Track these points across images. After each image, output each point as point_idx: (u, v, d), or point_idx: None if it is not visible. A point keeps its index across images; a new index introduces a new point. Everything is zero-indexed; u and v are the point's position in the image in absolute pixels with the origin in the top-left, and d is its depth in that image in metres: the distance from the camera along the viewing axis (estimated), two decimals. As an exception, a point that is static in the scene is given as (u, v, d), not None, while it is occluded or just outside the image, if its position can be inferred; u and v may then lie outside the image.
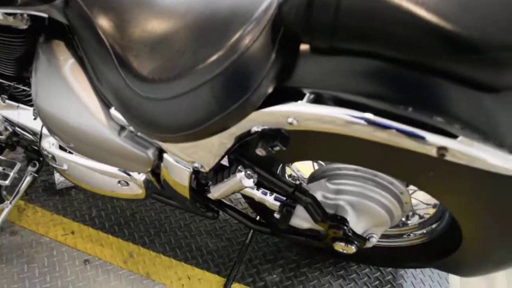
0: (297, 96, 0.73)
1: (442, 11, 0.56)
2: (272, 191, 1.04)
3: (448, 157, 0.67)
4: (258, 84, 0.72)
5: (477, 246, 0.94)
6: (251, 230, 1.45)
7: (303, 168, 1.30)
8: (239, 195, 1.46)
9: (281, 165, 1.11)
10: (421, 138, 0.66)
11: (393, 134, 0.67)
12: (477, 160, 0.65)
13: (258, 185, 1.04)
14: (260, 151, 0.80)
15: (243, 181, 0.90)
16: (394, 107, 0.67)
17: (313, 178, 1.08)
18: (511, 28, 0.56)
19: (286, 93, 0.74)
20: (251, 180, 0.91)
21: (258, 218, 1.35)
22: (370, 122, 0.68)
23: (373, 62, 0.67)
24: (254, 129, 0.81)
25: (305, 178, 1.22)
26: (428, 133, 0.66)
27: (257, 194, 1.05)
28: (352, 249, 1.03)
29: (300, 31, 0.67)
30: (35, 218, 1.47)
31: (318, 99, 0.72)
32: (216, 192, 0.99)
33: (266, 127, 0.80)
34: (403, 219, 1.22)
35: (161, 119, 0.82)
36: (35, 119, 1.16)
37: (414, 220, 1.21)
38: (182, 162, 0.97)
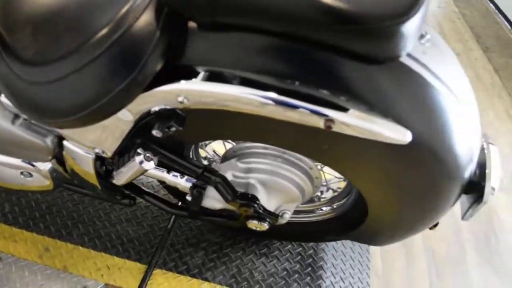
0: (191, 74, 0.72)
1: None
2: (182, 173, 1.02)
3: (336, 129, 0.68)
4: (144, 63, 0.69)
5: (383, 215, 0.97)
6: (173, 215, 1.43)
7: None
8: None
9: (193, 146, 1.09)
10: (307, 111, 0.67)
11: (280, 109, 0.68)
12: (363, 130, 0.67)
13: (168, 168, 1.02)
14: (156, 133, 0.78)
15: (143, 164, 0.88)
16: (281, 81, 0.67)
17: (225, 158, 1.08)
18: (386, 5, 0.57)
19: (181, 71, 0.73)
20: (151, 162, 0.89)
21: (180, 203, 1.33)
22: (256, 98, 0.67)
23: (259, 37, 0.67)
24: (153, 110, 0.78)
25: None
26: (313, 106, 0.66)
27: (168, 177, 1.03)
28: (265, 226, 1.04)
29: (180, 8, 0.65)
30: (10, 236, 1.36)
31: (211, 77, 0.71)
32: (119, 177, 0.96)
33: (162, 107, 0.78)
34: (318, 193, 1.25)
35: (48, 103, 0.78)
36: None
37: (328, 195, 1.24)
38: (83, 148, 0.93)
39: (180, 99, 0.72)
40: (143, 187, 1.17)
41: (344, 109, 0.67)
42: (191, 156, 1.11)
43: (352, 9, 0.58)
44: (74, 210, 1.45)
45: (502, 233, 1.59)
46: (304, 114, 0.67)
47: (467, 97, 0.78)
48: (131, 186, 1.10)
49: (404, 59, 0.68)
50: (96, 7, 0.74)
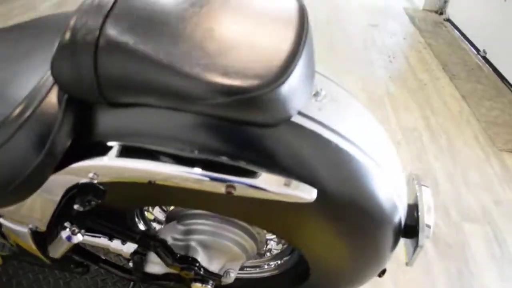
0: (104, 149, 0.73)
1: (194, 69, 0.58)
2: (121, 239, 1.01)
3: (238, 193, 0.68)
4: (50, 145, 0.70)
5: (325, 269, 0.96)
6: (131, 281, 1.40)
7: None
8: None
9: (137, 209, 1.08)
10: (206, 178, 0.67)
11: (181, 178, 0.68)
12: (264, 193, 0.67)
13: (109, 235, 1.01)
14: (78, 207, 0.78)
15: (71, 239, 0.87)
16: (181, 151, 0.68)
17: (166, 220, 1.07)
18: (257, 74, 0.58)
19: (95, 147, 0.73)
20: (78, 236, 0.88)
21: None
22: (154, 169, 0.68)
23: (155, 111, 0.68)
24: (72, 185, 0.79)
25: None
26: (211, 173, 0.67)
27: (110, 244, 1.01)
28: (209, 287, 1.02)
29: (72, 92, 0.67)
30: None
31: (122, 151, 0.72)
32: (53, 251, 0.95)
33: (79, 182, 0.78)
34: (267, 247, 1.23)
35: None
36: None
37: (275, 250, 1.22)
38: (17, 223, 0.93)
39: (90, 175, 0.73)
40: (94, 253, 1.15)
41: (244, 174, 0.67)
42: (136, 220, 1.10)
43: (221, 83, 0.58)
44: (35, 281, 1.42)
45: (475, 266, 1.56)
46: (204, 182, 0.67)
47: (374, 144, 0.78)
48: (79, 252, 1.09)
49: (296, 118, 0.68)
50: (4, 90, 0.75)
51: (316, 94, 0.73)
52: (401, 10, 4.03)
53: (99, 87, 0.63)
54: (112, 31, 0.60)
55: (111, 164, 0.70)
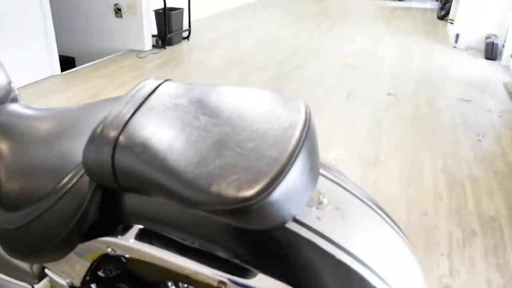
0: (126, 229, 0.80)
1: (190, 182, 0.63)
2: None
3: None
4: (79, 219, 0.79)
5: None
6: None
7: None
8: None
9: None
10: (202, 272, 0.71)
11: (183, 268, 0.73)
12: None
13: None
14: (101, 273, 0.85)
15: (100, 300, 0.93)
16: (184, 240, 0.74)
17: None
18: (240, 187, 0.60)
19: (118, 225, 0.81)
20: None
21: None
22: (160, 256, 0.75)
23: (162, 201, 0.73)
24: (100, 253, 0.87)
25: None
26: (205, 268, 0.71)
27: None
28: None
29: (96, 180, 0.75)
30: None
31: (138, 233, 0.79)
32: (88, 308, 1.02)
33: (104, 252, 0.86)
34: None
35: (20, 245, 0.88)
36: None
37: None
38: (59, 276, 1.02)
39: (108, 250, 0.81)
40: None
41: (238, 271, 0.69)
42: (169, 284, 1.15)
43: (212, 192, 0.61)
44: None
45: None
46: (199, 274, 0.71)
47: (386, 262, 0.74)
48: None
49: (291, 225, 0.69)
50: (47, 170, 0.86)
51: (318, 202, 0.73)
52: (500, 85, 3.81)
53: (115, 177, 0.70)
54: (130, 132, 0.69)
55: (123, 243, 0.79)
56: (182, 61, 4.41)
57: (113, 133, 0.69)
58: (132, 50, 4.68)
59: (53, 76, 3.84)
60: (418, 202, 2.15)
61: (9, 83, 1.08)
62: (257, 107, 0.72)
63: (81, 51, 4.94)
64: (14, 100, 1.19)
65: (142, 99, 0.75)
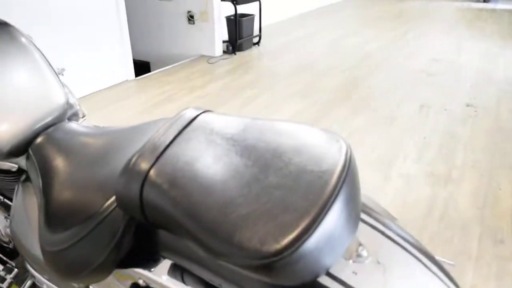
0: (157, 262, 0.81)
1: (218, 232, 0.60)
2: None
3: None
4: (114, 247, 0.80)
5: None
6: None
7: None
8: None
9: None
10: None
11: None
12: None
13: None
14: None
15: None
16: (211, 281, 0.72)
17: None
18: (264, 240, 0.57)
19: (149, 257, 0.82)
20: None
21: None
22: None
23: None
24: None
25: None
26: None
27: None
28: None
29: (127, 212, 0.75)
30: None
31: (170, 267, 0.79)
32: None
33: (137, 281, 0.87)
34: None
35: (64, 266, 0.92)
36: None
37: None
38: None
39: (140, 281, 0.81)
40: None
41: None
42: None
43: (239, 251, 0.57)
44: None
45: None
46: None
47: None
48: None
49: (324, 279, 0.63)
50: (92, 193, 0.87)
51: (356, 254, 0.66)
52: None
53: (143, 212, 0.69)
54: (161, 167, 0.68)
55: (153, 278, 0.79)
56: (251, 66, 4.44)
57: (144, 166, 0.69)
58: (203, 56, 4.79)
59: (127, 81, 4.03)
60: (493, 227, 1.97)
61: (67, 101, 1.12)
62: (292, 146, 0.67)
63: (155, 56, 5.16)
64: (75, 116, 1.24)
65: (178, 131, 0.74)
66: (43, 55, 1.17)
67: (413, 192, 2.23)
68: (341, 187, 0.60)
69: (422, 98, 3.51)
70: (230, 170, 0.66)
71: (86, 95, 3.69)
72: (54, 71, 1.17)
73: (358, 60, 4.57)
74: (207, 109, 0.81)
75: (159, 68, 4.52)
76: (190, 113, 0.79)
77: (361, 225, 0.69)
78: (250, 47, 5.09)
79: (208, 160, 0.68)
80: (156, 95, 3.68)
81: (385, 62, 4.53)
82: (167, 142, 0.72)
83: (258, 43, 5.21)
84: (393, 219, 0.76)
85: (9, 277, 1.44)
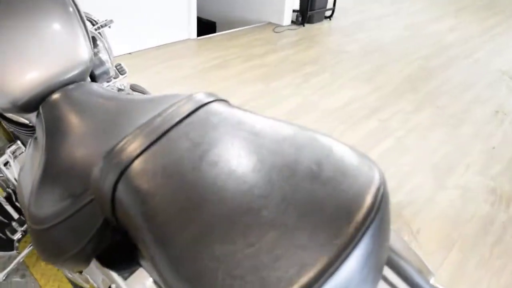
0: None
1: None
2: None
3: None
4: (89, 239, 0.71)
5: None
6: None
7: None
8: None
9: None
10: None
11: None
12: None
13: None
14: None
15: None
16: None
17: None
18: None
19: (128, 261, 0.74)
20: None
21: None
22: None
23: None
24: None
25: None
26: None
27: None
28: None
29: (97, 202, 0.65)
30: (44, 269, 1.59)
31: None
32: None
33: None
34: None
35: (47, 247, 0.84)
36: None
37: None
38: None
39: (113, 286, 0.73)
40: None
41: None
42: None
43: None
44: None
45: None
46: None
47: None
48: None
49: None
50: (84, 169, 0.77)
51: None
52: None
53: (113, 213, 0.59)
54: (142, 165, 0.56)
55: (122, 286, 0.70)
56: (318, 41, 4.20)
57: (125, 158, 0.56)
58: (270, 23, 4.61)
59: (188, 39, 3.95)
60: (556, 265, 1.71)
61: (91, 59, 1.02)
62: (311, 168, 0.51)
63: (223, 17, 5.03)
64: (105, 74, 1.15)
65: (173, 122, 0.60)
66: (76, 7, 1.07)
67: (468, 208, 1.99)
68: (364, 232, 0.45)
69: (498, 103, 3.15)
70: (224, 186, 0.50)
71: (142, 49, 3.65)
72: (84, 25, 1.07)
73: (434, 50, 4.20)
74: (220, 97, 0.67)
75: (225, 29, 4.40)
76: (196, 99, 0.65)
77: (381, 285, 0.54)
78: (321, 20, 4.83)
79: (205, 168, 0.53)
80: (212, 59, 3.57)
81: (464, 56, 4.12)
82: (159, 134, 0.58)
83: (330, 17, 4.93)
84: (428, 274, 0.60)
85: (20, 230, 1.43)
